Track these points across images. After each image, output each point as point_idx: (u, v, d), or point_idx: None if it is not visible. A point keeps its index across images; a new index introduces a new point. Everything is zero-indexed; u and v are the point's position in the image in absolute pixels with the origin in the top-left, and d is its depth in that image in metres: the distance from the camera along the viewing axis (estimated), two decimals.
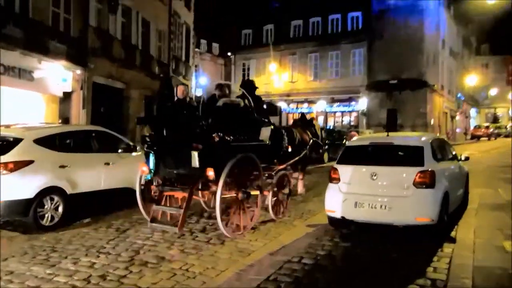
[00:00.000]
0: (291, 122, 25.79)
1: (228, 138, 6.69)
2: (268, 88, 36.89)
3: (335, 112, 39.57)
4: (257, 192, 7.15)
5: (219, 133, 6.52)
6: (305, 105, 40.33)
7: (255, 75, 41.51)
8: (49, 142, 7.35)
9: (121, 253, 5.78)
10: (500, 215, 7.67)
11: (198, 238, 6.58)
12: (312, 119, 11.38)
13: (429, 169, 6.09)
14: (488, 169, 14.05)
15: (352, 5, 37.17)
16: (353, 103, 38.07)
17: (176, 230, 6.48)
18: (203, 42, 44.00)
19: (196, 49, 36.71)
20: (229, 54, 45.17)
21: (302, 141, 9.34)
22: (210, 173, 6.32)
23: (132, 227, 7.18)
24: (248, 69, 43.79)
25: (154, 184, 7.06)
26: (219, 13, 43.67)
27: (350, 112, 38.87)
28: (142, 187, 7.29)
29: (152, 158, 6.99)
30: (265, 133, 7.75)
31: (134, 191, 8.70)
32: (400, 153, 6.67)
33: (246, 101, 7.52)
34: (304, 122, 10.28)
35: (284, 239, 6.51)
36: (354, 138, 9.11)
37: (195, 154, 6.38)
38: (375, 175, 6.27)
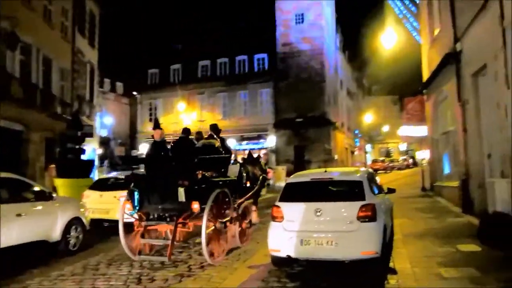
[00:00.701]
0: None
1: (208, 175, 7.60)
2: (176, 127, 36.18)
3: (244, 150, 40.03)
4: (229, 223, 7.88)
5: (201, 170, 7.40)
6: None
7: (162, 115, 40.75)
8: None
9: None
10: (425, 244, 8.05)
11: None
12: (258, 156, 11.89)
13: (371, 203, 6.23)
14: (398, 200, 14.92)
15: (257, 47, 38.71)
16: (262, 140, 38.96)
17: (166, 259, 7.10)
18: (107, 81, 42.34)
19: (100, 89, 35.14)
20: (134, 93, 43.92)
21: (254, 177, 9.81)
22: (195, 206, 7.06)
23: (54, 286, 6.29)
24: (155, 108, 42.98)
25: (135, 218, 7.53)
26: (124, 52, 42.59)
27: (259, 149, 39.56)
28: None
29: (136, 196, 7.46)
30: (233, 169, 8.87)
31: (50, 244, 7.88)
32: (341, 188, 6.77)
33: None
34: (251, 159, 10.64)
35: (230, 284, 6.18)
36: (294, 178, 9.17)
37: (181, 190, 7.03)
38: (319, 211, 6.25)
